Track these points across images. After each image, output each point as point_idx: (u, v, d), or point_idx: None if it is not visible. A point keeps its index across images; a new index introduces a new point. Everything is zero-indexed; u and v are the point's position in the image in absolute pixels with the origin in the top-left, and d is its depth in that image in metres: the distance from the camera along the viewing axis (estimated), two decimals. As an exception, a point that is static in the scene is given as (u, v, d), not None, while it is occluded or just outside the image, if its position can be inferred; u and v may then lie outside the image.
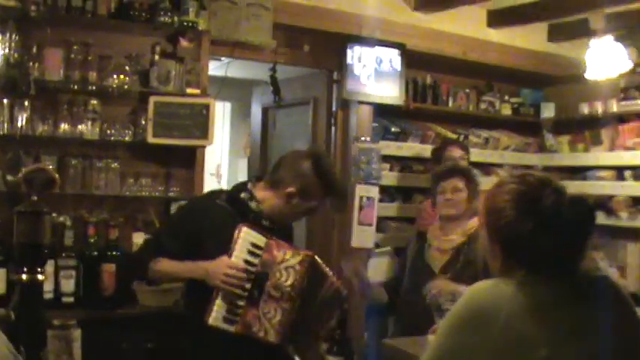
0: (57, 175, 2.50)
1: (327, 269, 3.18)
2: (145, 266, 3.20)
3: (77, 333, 2.43)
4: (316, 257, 3.12)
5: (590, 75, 5.27)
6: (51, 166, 3.50)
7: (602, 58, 5.14)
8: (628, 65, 5.22)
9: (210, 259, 3.03)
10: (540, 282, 2.01)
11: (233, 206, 3.18)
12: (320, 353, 3.24)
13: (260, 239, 3.06)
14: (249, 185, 3.25)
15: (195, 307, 3.09)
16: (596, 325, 2.00)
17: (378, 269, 4.92)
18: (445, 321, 2.10)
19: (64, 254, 4.23)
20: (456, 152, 5.29)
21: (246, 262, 3.03)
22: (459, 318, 2.03)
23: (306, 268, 3.05)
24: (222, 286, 2.98)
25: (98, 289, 4.29)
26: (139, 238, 4.43)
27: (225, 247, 3.03)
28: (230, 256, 3.02)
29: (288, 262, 3.05)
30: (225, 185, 7.95)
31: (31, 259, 2.33)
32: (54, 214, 4.14)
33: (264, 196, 3.19)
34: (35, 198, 2.37)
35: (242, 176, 8.23)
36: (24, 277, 2.33)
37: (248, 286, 3.01)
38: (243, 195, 3.21)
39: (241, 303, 3.00)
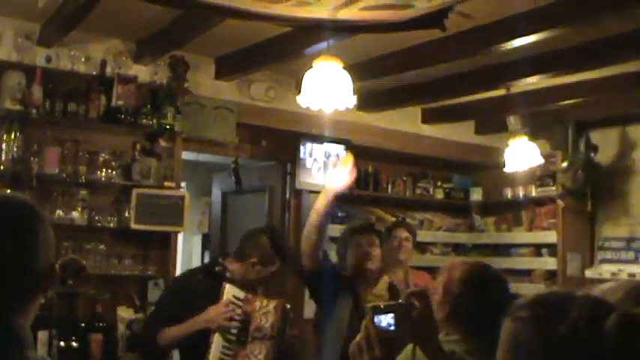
0: (84, 263, 3.18)
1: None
2: (154, 341, 3.76)
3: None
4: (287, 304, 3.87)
5: (508, 168, 6.10)
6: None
7: (518, 154, 5.98)
8: (539, 160, 6.06)
9: None
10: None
11: (211, 279, 3.87)
12: None
13: (240, 293, 3.78)
14: (220, 260, 3.97)
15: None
16: None
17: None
18: None
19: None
20: (403, 233, 5.23)
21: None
22: None
23: (280, 311, 3.78)
24: (223, 323, 3.63)
25: (87, 356, 4.82)
26: (122, 312, 5.02)
27: None
28: None
29: (265, 309, 3.77)
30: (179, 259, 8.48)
31: (68, 330, 2.99)
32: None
33: (234, 268, 3.90)
34: (70, 282, 3.05)
35: (196, 251, 8.86)
36: (61, 344, 2.99)
37: (235, 331, 3.68)
38: (217, 269, 3.93)
39: (232, 346, 3.66)
